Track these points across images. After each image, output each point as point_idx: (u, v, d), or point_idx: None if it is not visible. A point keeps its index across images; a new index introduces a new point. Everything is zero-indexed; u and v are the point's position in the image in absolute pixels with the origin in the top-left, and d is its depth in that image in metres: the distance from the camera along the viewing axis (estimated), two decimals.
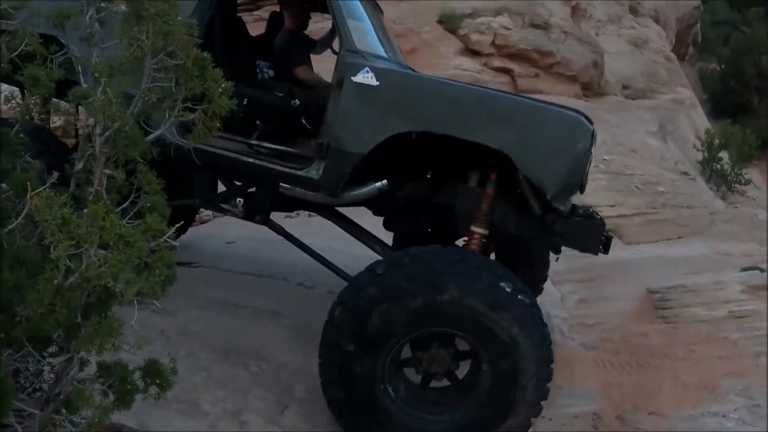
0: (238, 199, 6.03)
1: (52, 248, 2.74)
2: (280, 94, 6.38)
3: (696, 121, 20.64)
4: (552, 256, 6.24)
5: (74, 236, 2.69)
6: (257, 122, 5.92)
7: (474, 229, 5.54)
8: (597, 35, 20.75)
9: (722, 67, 35.26)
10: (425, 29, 15.96)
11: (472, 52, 16.59)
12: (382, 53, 5.83)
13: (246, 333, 5.99)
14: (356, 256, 6.52)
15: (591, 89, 18.21)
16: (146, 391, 3.59)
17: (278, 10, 7.18)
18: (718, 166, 15.71)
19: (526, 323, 4.84)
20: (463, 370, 5.27)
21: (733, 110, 31.77)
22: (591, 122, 5.28)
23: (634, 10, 24.91)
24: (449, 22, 16.60)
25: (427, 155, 5.65)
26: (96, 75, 3.05)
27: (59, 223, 2.68)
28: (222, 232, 8.95)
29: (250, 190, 6.13)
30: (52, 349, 3.33)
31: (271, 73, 6.68)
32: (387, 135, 5.16)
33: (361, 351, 4.87)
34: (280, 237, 8.21)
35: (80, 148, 3.35)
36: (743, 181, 15.28)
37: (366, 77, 5.20)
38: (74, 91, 3.19)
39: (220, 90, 3.20)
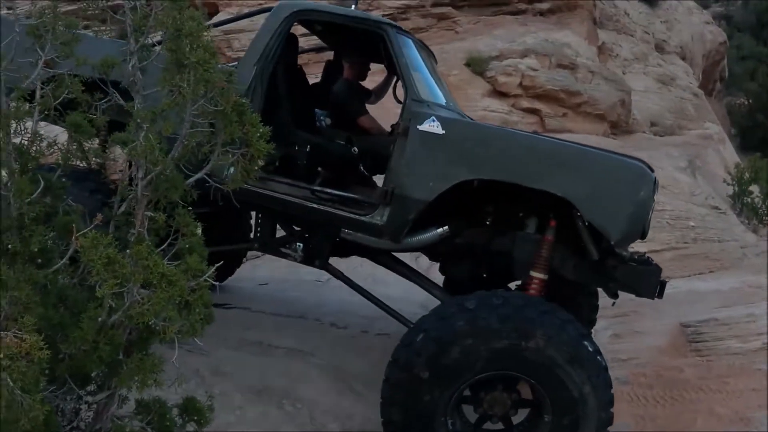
0: (298, 243, 6.13)
1: (97, 287, 2.83)
2: (341, 142, 6.50)
3: (725, 155, 20.59)
4: (609, 300, 6.24)
5: (119, 275, 2.78)
6: (319, 168, 6.09)
7: (533, 274, 5.60)
8: (624, 74, 20.82)
9: (750, 101, 35.28)
10: (453, 72, 16.07)
11: (499, 93, 16.71)
12: (442, 101, 5.94)
13: (278, 372, 6.02)
14: (389, 297, 6.60)
15: (619, 127, 18.26)
16: (184, 427, 3.65)
17: (333, 59, 7.35)
18: (749, 200, 15.65)
19: (598, 384, 4.90)
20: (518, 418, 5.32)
21: (762, 144, 31.75)
22: (652, 170, 5.36)
23: (660, 48, 24.99)
24: (476, 65, 16.74)
25: (485, 202, 5.78)
26: (138, 121, 3.15)
27: (104, 262, 2.77)
28: (254, 273, 9.02)
29: (308, 234, 6.20)
30: (91, 387, 3.41)
31: (329, 121, 6.82)
32: (453, 182, 5.26)
33: (435, 380, 4.88)
34: (310, 278, 8.31)
35: (120, 192, 3.45)
36: None
37: (432, 126, 5.31)
38: (114, 136, 3.30)
39: (258, 134, 3.30)
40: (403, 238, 5.52)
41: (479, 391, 5.13)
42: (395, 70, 5.87)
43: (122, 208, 3.29)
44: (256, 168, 3.43)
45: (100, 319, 2.99)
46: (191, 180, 3.34)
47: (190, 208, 6.26)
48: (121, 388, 3.30)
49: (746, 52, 44.68)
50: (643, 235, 5.34)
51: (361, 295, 6.36)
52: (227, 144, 3.28)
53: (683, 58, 26.41)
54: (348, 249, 6.26)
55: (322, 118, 6.77)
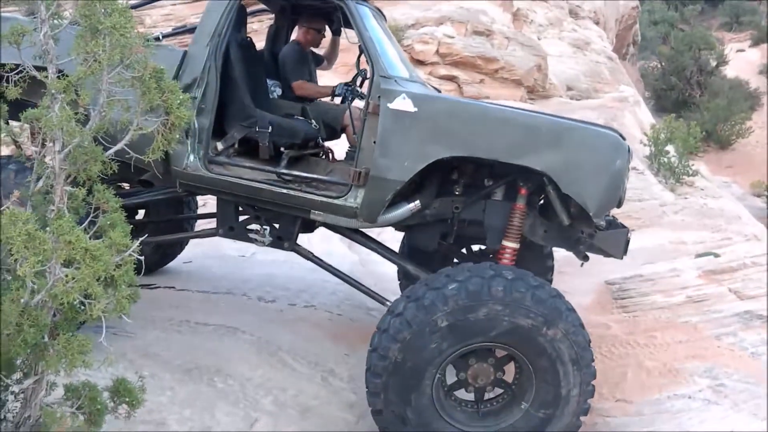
0: (264, 227, 5.99)
1: (18, 266, 2.70)
2: (300, 118, 6.39)
3: (641, 117, 20.90)
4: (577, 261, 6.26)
5: (39, 252, 2.66)
6: (282, 149, 5.91)
7: (506, 243, 5.63)
8: (539, 39, 20.96)
9: (663, 64, 36.01)
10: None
11: (417, 61, 16.67)
12: (407, 73, 5.78)
13: (208, 350, 5.94)
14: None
15: (536, 92, 18.39)
16: (116, 410, 3.56)
17: (276, 23, 7.14)
18: (666, 160, 15.88)
19: (585, 392, 5.10)
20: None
21: (675, 106, 32.52)
22: (625, 139, 5.38)
23: (573, 14, 25.24)
24: (393, 34, 16.66)
25: (451, 170, 5.70)
26: (53, 92, 3.02)
27: (24, 239, 2.65)
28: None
29: (275, 217, 6.05)
30: (17, 375, 3.28)
31: (279, 92, 6.69)
32: (429, 161, 5.20)
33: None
34: (234, 253, 8.21)
35: (36, 169, 3.30)
36: (691, 172, 15.48)
37: (403, 103, 5.19)
38: (27, 113, 3.15)
39: (179, 101, 3.19)
40: (378, 217, 5.45)
41: (469, 357, 5.17)
42: (360, 44, 5.66)
43: (40, 185, 3.15)
44: (177, 136, 3.31)
45: (22, 300, 2.86)
46: (111, 151, 3.21)
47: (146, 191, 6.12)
48: (48, 372, 3.18)
49: (657, 17, 45.50)
50: (619, 204, 5.39)
51: (333, 275, 6.27)
52: (147, 112, 3.15)
53: (597, 23, 26.68)
54: (314, 225, 6.14)
55: (273, 88, 6.63)
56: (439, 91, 6.53)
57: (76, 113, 3.06)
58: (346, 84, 6.42)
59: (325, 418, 5.48)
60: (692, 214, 13.10)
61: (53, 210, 2.99)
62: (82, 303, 2.93)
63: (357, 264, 7.82)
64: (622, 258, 5.79)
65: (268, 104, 6.30)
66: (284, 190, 5.54)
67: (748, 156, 30.71)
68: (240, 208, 6.15)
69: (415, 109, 5.18)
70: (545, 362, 5.03)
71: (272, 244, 6.04)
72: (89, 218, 3.26)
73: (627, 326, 8.19)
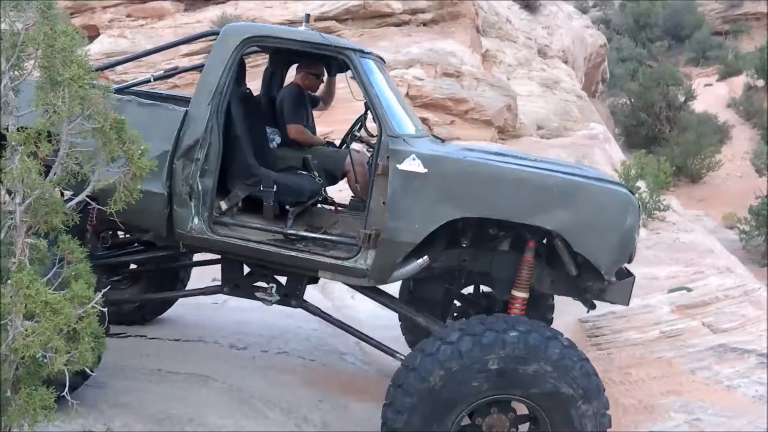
0: (271, 285, 5.92)
1: None
2: (303, 172, 6.35)
3: (611, 154, 21.07)
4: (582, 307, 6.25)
5: None
6: (287, 207, 5.85)
7: (516, 294, 5.62)
8: (508, 79, 21.14)
9: (632, 101, 36.41)
10: (340, 85, 16.06)
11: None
12: (413, 128, 5.72)
13: (180, 399, 5.87)
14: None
15: (506, 132, 18.48)
16: None
17: (270, 66, 7.08)
18: (637, 196, 16.01)
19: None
20: None
21: (646, 141, 33.01)
22: (633, 194, 5.40)
23: (542, 53, 25.51)
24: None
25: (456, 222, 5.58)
26: (13, 144, 3.00)
27: None
28: None
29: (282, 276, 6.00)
30: None
31: (278, 140, 6.64)
32: (440, 222, 5.15)
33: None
34: (206, 301, 8.16)
35: None
36: (662, 207, 15.56)
37: (413, 164, 5.13)
38: None
39: (140, 151, 3.18)
40: (388, 277, 5.40)
41: (492, 405, 5.15)
42: (365, 98, 5.58)
43: (2, 236, 3.12)
44: (139, 187, 3.29)
45: None
46: (73, 202, 3.20)
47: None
48: (12, 427, 3.14)
49: (625, 54, 46.15)
50: (629, 260, 5.40)
51: (341, 329, 6.25)
52: (108, 163, 3.14)
53: (566, 62, 26.97)
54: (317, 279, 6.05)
55: (272, 137, 6.59)
56: (443, 141, 6.47)
57: (37, 164, 3.04)
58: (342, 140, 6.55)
59: None
60: (664, 248, 13.15)
61: (14, 262, 2.97)
62: (44, 357, 2.89)
63: (332, 309, 7.78)
64: (627, 305, 5.86)
65: (269, 156, 6.26)
66: (292, 253, 5.46)
67: (720, 189, 31.02)
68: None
69: (425, 170, 5.12)
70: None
71: (279, 302, 5.97)
72: (54, 269, 3.23)
73: (602, 364, 8.18)
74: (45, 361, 2.92)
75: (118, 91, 5.80)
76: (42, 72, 3.04)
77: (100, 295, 3.01)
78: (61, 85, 2.98)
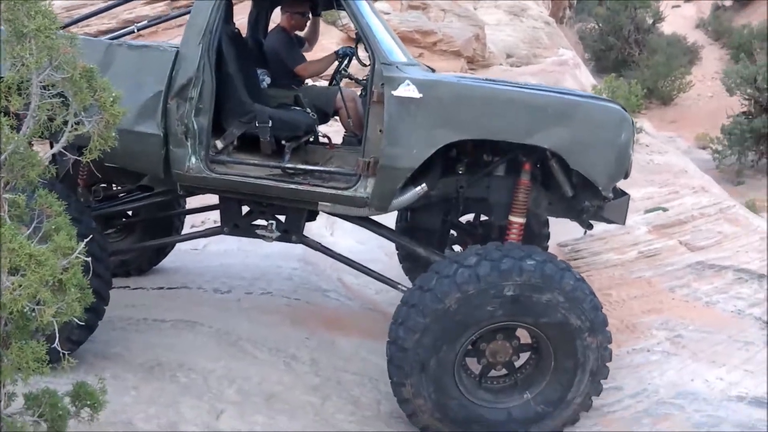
0: (270, 222, 5.92)
1: None
2: (298, 108, 6.36)
3: (582, 79, 21.07)
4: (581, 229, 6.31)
5: None
6: (284, 142, 5.84)
7: (513, 219, 5.65)
8: (475, 9, 20.99)
9: (600, 25, 36.19)
10: None
11: (354, 40, 16.62)
12: (404, 57, 5.71)
13: (168, 346, 5.93)
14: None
15: (476, 62, 18.42)
16: (78, 414, 3.54)
17: (254, 7, 7.02)
18: None
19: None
20: None
21: (615, 65, 32.81)
22: (626, 110, 5.40)
23: None
24: (328, 15, 16.56)
25: (451, 148, 5.60)
26: None
27: None
28: None
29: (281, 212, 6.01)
30: None
31: (268, 80, 6.62)
32: (438, 146, 5.17)
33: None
34: (186, 247, 8.18)
35: None
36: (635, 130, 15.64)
37: (408, 90, 5.12)
38: None
39: (112, 98, 3.16)
40: (388, 205, 5.43)
41: (498, 332, 5.27)
42: (357, 32, 5.63)
43: None
44: (114, 134, 3.27)
45: None
46: (48, 154, 3.18)
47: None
48: (6, 383, 3.16)
49: None
50: (626, 176, 5.45)
51: (344, 263, 6.29)
52: (80, 113, 3.11)
53: None
54: (316, 213, 6.08)
55: (262, 77, 6.56)
56: (433, 70, 6.48)
57: (9, 119, 3.02)
58: (344, 47, 6.60)
59: (291, 403, 5.49)
60: (639, 170, 13.19)
61: None
62: (32, 310, 2.90)
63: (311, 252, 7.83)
64: (624, 224, 6.00)
65: (261, 95, 6.23)
66: (292, 186, 5.49)
67: (691, 110, 31.08)
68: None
69: (420, 95, 5.12)
70: (570, 364, 5.19)
71: (279, 239, 5.99)
72: (33, 224, 3.22)
73: None
74: (33, 315, 2.93)
75: (112, 39, 5.84)
76: (6, 25, 3.01)
77: (83, 244, 3.01)
78: (27, 37, 2.95)
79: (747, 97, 23.32)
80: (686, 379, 6.52)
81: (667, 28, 37.21)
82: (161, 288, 7.27)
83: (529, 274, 4.95)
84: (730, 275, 8.83)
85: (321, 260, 8.14)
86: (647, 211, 10.50)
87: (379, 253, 7.93)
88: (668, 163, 13.96)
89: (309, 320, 6.84)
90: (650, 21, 35.81)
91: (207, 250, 8.48)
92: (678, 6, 43.51)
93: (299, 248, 7.91)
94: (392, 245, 7.57)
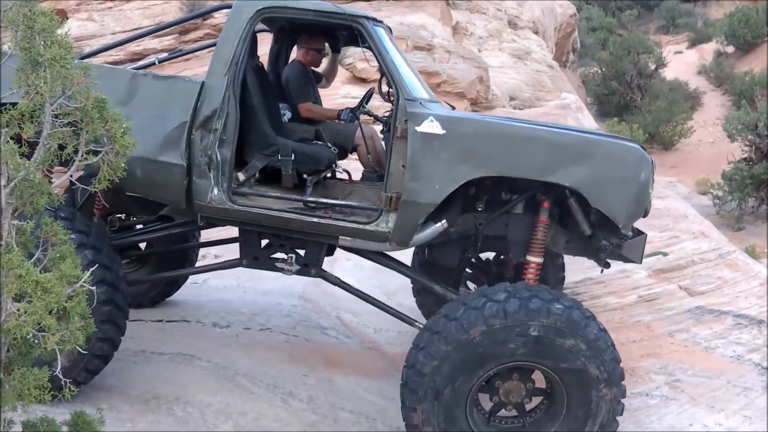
0: (290, 255, 5.93)
1: None
2: (318, 143, 6.39)
3: (584, 123, 21.09)
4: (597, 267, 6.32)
5: None
6: (305, 176, 5.87)
7: (530, 258, 5.68)
8: (480, 51, 21.12)
9: (603, 70, 36.46)
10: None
11: (359, 79, 16.68)
12: (426, 94, 5.72)
13: (165, 379, 5.93)
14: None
15: (479, 103, 18.48)
16: None
17: (276, 43, 7.10)
18: None
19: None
20: None
21: (618, 110, 33.15)
22: (645, 150, 5.44)
23: (512, 24, 25.45)
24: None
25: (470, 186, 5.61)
26: None
27: None
28: None
29: (300, 245, 6.00)
30: None
31: (289, 114, 6.67)
32: (461, 182, 5.21)
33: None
34: (187, 281, 8.17)
35: None
36: None
37: (431, 126, 5.17)
38: None
39: (122, 130, 3.19)
40: (409, 240, 5.45)
41: (514, 371, 5.26)
42: (380, 67, 5.62)
43: None
44: (123, 165, 3.30)
45: None
46: (57, 183, 3.21)
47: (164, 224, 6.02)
48: (5, 409, 3.15)
49: (596, 23, 46.12)
50: (645, 214, 5.49)
51: (362, 299, 6.26)
52: (91, 142, 3.14)
53: (536, 33, 26.93)
54: (335, 248, 6.08)
55: (283, 111, 6.60)
56: (453, 108, 6.53)
57: (20, 146, 3.05)
58: (350, 110, 6.59)
59: None
60: None
61: (1, 245, 2.97)
62: (35, 337, 2.91)
63: (311, 283, 7.80)
64: (641, 262, 6.01)
65: (283, 129, 6.29)
66: (314, 219, 5.49)
67: (692, 155, 31.17)
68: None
69: (444, 132, 5.17)
70: (581, 413, 5.18)
71: (299, 272, 5.99)
72: (38, 252, 3.24)
73: None
74: (36, 341, 2.93)
75: (137, 69, 5.90)
76: (22, 53, 3.04)
77: (88, 274, 3.02)
78: (42, 66, 2.99)
79: (748, 143, 23.43)
80: (685, 423, 6.50)
81: (669, 73, 37.48)
82: (160, 321, 7.25)
83: (556, 318, 4.97)
84: (730, 320, 8.82)
85: (320, 298, 8.15)
86: (647, 255, 10.46)
87: (378, 293, 7.92)
88: (668, 208, 13.95)
89: (307, 357, 6.82)
90: (653, 66, 36.09)
91: (207, 284, 8.48)
92: (680, 52, 43.90)
93: (299, 285, 7.92)
94: (391, 285, 7.58)
